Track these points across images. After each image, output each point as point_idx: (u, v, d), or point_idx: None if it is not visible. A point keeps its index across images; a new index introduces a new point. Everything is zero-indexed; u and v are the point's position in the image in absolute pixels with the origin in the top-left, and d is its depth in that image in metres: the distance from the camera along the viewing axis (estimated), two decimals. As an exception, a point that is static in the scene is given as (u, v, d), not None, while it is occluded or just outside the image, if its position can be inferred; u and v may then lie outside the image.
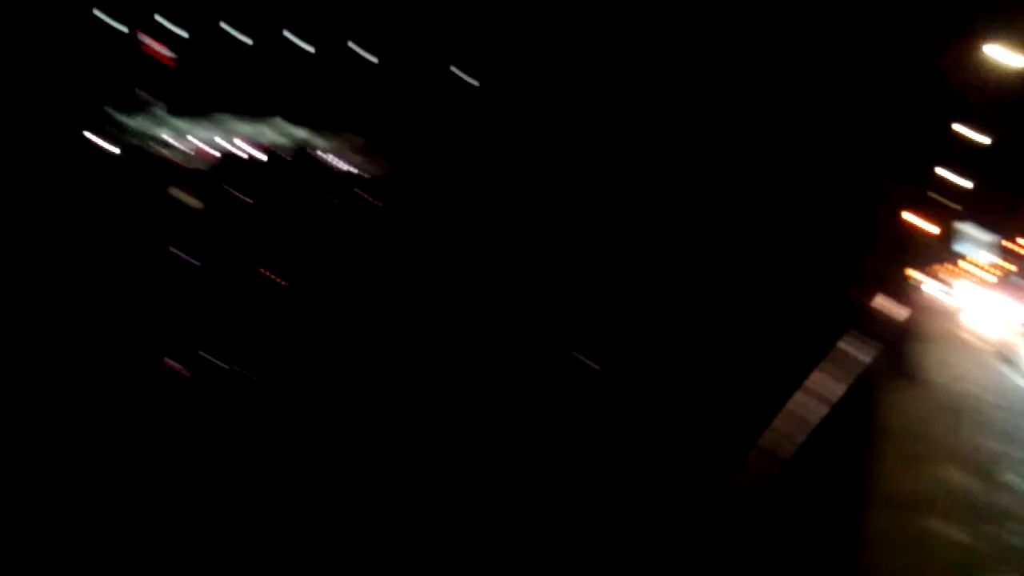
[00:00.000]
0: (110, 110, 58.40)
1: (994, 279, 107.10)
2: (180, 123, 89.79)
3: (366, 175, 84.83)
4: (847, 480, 7.83)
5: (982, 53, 22.20)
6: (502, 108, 66.21)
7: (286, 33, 77.70)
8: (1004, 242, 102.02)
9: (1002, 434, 12.17)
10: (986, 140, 33.74)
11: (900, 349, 18.03)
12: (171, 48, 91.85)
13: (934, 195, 43.01)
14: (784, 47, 39.63)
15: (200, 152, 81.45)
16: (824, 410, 9.26)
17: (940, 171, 39.99)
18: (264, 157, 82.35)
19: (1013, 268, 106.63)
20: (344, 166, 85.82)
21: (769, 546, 4.28)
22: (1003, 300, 65.46)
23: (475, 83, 64.43)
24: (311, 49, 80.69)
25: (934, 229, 42.09)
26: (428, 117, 72.90)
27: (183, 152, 79.23)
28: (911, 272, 41.47)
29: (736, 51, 42.58)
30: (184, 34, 78.38)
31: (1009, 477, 9.40)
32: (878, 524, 7.70)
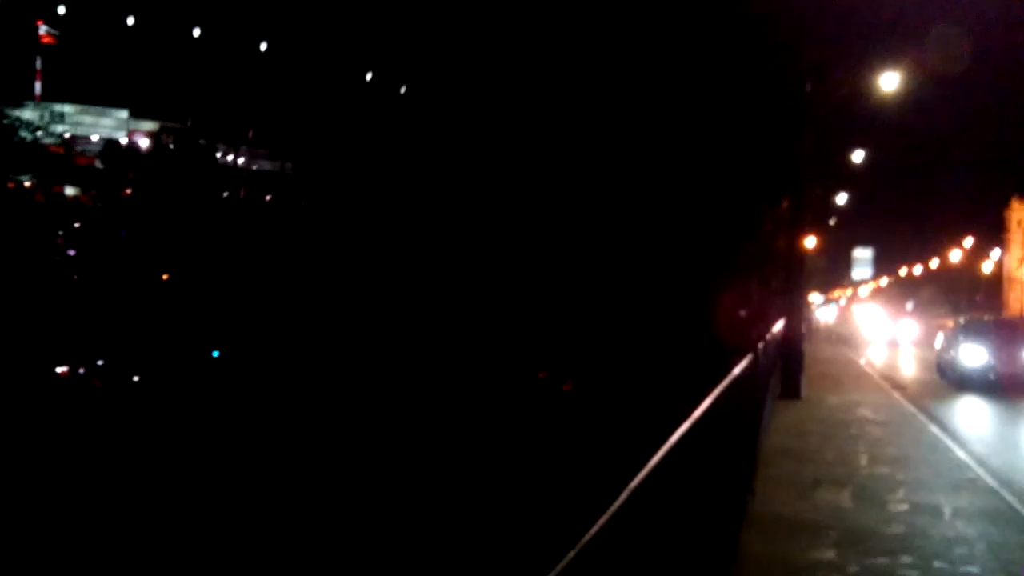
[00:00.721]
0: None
1: (871, 294, 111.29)
2: (61, 108, 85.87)
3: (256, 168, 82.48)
4: (723, 502, 7.58)
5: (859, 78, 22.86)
6: (417, 111, 65.59)
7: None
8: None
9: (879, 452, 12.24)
10: (859, 159, 34.88)
11: (787, 368, 18.23)
12: (50, 25, 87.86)
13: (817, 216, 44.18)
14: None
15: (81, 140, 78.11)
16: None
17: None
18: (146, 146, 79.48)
19: (886, 282, 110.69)
20: (233, 159, 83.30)
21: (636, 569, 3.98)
22: (879, 314, 68.52)
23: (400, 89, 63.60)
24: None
25: (818, 249, 43.32)
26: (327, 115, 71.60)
27: (64, 141, 75.89)
28: (808, 295, 42.54)
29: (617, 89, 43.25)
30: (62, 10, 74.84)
31: (892, 503, 9.35)
32: (754, 550, 7.51)
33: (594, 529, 3.29)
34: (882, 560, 7.27)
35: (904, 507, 9.14)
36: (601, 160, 42.24)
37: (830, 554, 7.41)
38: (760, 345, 11.02)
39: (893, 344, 43.40)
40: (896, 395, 19.77)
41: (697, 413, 5.23)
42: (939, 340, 26.36)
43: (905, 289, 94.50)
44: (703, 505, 6.05)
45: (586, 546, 3.09)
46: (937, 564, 7.24)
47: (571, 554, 3.02)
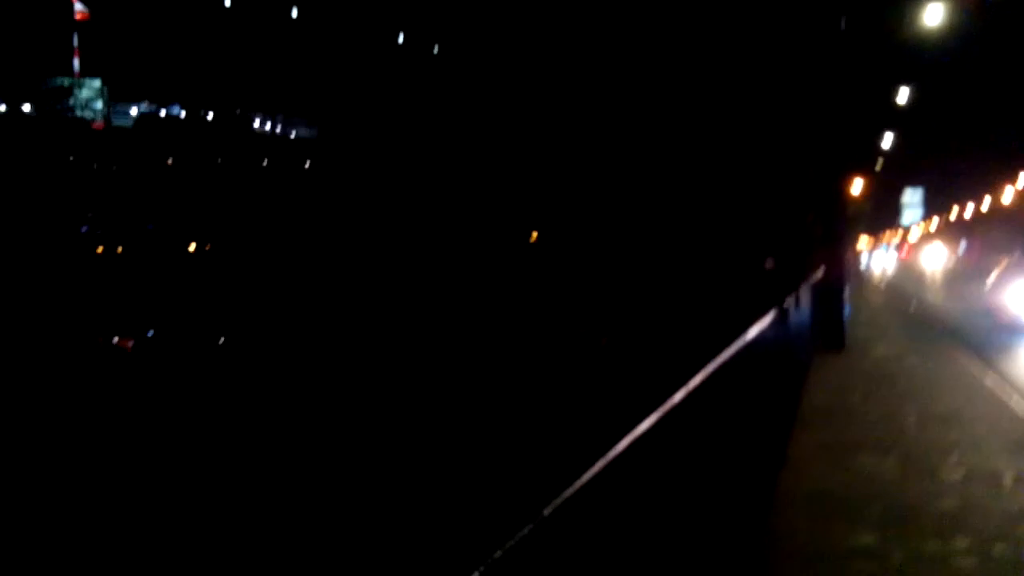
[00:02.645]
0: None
1: (922, 234, 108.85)
2: (98, 83, 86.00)
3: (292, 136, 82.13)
4: (754, 473, 6.64)
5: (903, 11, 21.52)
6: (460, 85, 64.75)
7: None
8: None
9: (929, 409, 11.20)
10: (905, 98, 33.21)
11: (828, 318, 17.15)
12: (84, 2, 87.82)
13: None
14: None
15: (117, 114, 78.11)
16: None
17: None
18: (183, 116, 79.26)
19: (937, 222, 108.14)
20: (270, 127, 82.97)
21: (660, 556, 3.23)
22: (935, 249, 66.77)
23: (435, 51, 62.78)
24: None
25: (864, 193, 41.70)
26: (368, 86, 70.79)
27: (103, 113, 75.96)
28: (854, 241, 41.04)
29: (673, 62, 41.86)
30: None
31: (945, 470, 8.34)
32: (783, 534, 6.59)
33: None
34: (932, 544, 6.24)
35: (958, 475, 8.09)
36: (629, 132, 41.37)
37: (869, 539, 6.42)
38: (791, 297, 10.02)
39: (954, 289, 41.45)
40: (946, 342, 18.56)
41: (694, 383, 4.31)
42: (992, 280, 24.78)
43: (960, 230, 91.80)
44: (721, 487, 5.15)
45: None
46: (999, 548, 6.19)
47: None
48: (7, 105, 78.35)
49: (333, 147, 75.80)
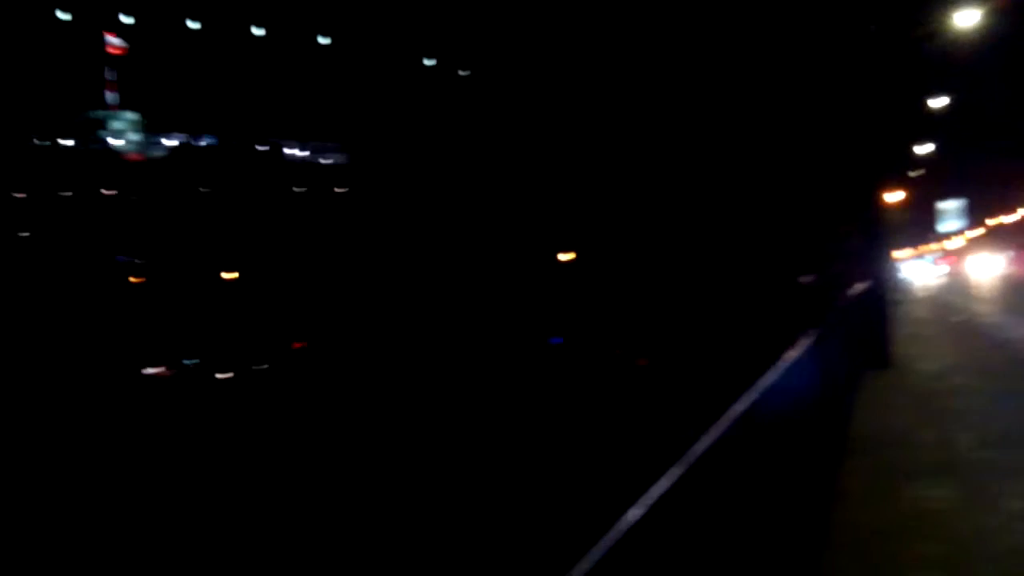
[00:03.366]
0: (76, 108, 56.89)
1: (965, 244, 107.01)
2: (134, 116, 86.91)
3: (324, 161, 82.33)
4: (801, 509, 6.14)
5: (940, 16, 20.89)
6: (491, 100, 64.62)
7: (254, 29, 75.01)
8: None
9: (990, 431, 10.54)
10: (943, 103, 32.38)
11: (873, 335, 16.50)
12: (122, 37, 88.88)
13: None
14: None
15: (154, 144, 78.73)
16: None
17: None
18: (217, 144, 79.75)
19: (981, 231, 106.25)
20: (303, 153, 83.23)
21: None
22: (983, 258, 65.36)
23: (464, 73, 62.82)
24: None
25: (903, 203, 40.76)
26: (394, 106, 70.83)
27: (140, 144, 76.68)
28: (894, 253, 40.01)
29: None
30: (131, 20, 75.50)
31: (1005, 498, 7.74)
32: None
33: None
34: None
35: (1022, 504, 7.51)
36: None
37: (929, 582, 5.89)
38: (830, 316, 9.48)
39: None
40: (998, 357, 17.77)
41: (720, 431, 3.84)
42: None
43: (1004, 238, 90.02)
44: (765, 527, 4.66)
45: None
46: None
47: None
48: (45, 139, 79.37)
49: (365, 172, 75.91)
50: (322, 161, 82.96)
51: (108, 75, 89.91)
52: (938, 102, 32.79)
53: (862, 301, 16.32)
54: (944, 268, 75.97)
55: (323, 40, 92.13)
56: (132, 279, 52.43)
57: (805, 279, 31.38)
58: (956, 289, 49.39)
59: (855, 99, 18.28)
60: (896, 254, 52.26)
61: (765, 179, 35.87)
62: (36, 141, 77.62)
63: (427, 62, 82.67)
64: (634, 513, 2.69)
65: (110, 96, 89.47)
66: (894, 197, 34.94)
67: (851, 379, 13.10)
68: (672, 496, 2.93)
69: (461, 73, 77.72)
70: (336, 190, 76.63)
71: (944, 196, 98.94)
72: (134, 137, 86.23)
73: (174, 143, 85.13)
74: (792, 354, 6.06)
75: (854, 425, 10.93)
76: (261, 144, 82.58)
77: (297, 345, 36.98)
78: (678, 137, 40.28)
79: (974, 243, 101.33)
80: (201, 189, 73.96)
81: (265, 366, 37.65)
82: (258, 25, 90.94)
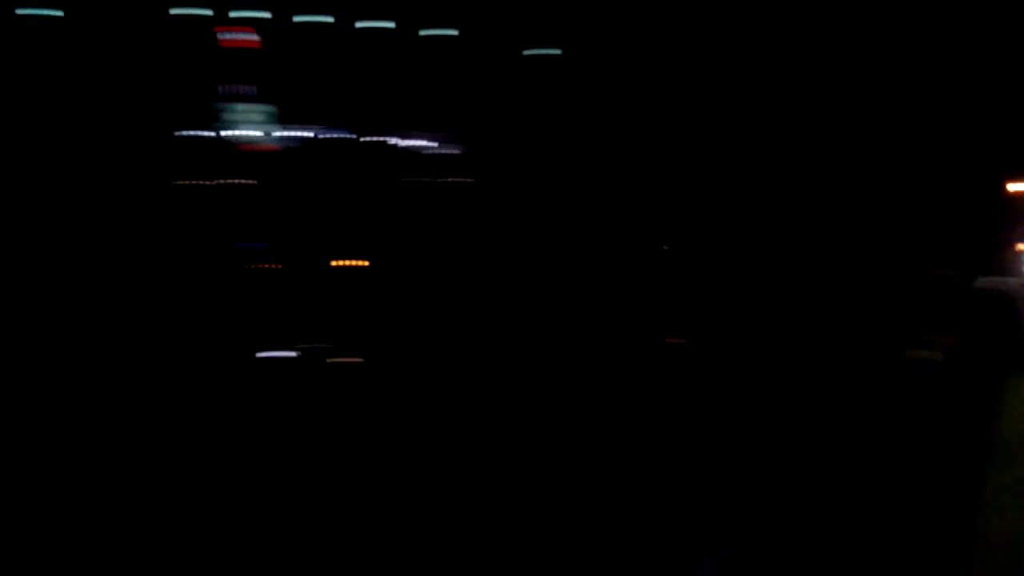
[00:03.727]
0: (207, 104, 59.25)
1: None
2: (266, 109, 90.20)
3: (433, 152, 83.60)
4: (946, 521, 5.99)
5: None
6: (587, 83, 64.62)
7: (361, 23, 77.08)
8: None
9: None
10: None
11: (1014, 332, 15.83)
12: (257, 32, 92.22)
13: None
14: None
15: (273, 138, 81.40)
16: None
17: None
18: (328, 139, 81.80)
19: None
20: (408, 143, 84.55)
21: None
22: None
23: (556, 52, 62.87)
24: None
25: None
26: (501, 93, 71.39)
27: (265, 137, 79.49)
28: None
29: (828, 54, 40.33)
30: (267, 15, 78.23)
31: None
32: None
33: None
34: None
35: None
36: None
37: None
38: (974, 314, 9.17)
39: None
40: None
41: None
42: None
43: None
44: (909, 538, 4.61)
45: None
46: None
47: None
48: (182, 129, 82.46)
49: (482, 160, 76.54)
50: (449, 152, 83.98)
51: (243, 69, 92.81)
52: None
53: (994, 297, 15.70)
54: None
55: (450, 32, 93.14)
56: (256, 266, 54.19)
57: (941, 272, 30.25)
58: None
59: (981, 89, 17.65)
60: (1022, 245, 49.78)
61: (885, 167, 34.98)
62: (175, 133, 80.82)
63: (546, 52, 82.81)
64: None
65: (245, 89, 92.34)
66: (1020, 187, 33.68)
67: (994, 382, 12.61)
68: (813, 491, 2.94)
69: (581, 65, 77.60)
70: (463, 180, 77.56)
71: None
72: (268, 129, 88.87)
73: (308, 135, 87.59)
74: (933, 360, 5.92)
75: (999, 431, 10.56)
76: (390, 136, 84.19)
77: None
78: (802, 127, 39.45)
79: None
80: (335, 179, 75.83)
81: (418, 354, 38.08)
82: (386, 19, 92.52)
